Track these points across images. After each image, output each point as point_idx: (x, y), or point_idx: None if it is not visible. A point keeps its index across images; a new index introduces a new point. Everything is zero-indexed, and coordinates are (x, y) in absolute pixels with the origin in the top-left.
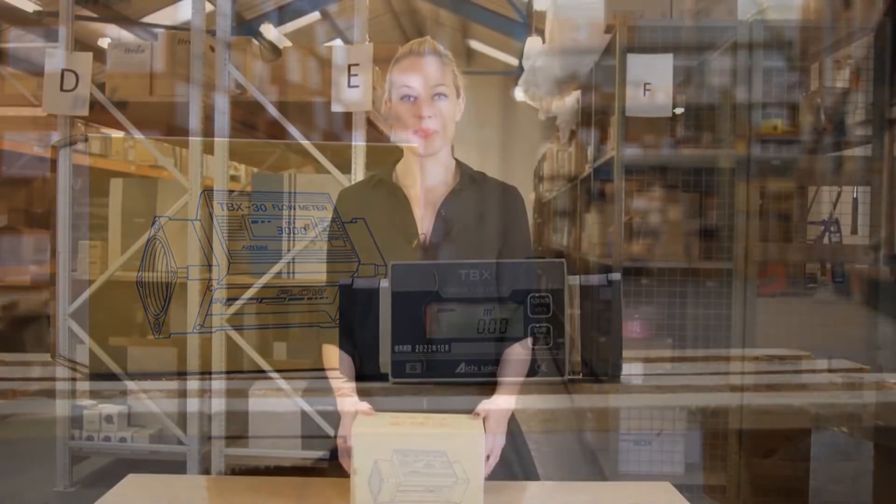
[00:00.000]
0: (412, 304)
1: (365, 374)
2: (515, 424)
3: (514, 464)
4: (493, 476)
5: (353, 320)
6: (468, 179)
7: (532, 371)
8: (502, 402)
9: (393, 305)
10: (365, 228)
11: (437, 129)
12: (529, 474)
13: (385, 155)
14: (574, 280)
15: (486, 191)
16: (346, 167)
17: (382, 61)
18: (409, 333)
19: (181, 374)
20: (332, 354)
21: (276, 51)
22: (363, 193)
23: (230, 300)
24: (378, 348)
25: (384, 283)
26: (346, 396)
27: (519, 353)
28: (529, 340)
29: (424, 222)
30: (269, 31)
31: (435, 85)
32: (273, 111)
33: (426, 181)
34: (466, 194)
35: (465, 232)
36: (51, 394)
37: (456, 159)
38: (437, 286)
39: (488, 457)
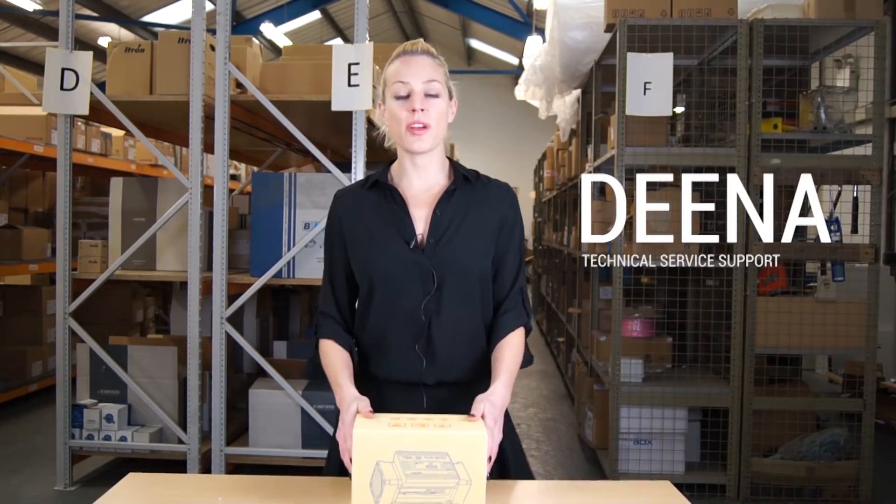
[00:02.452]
0: None
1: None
2: (508, 421)
3: (508, 461)
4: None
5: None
6: (462, 179)
7: (525, 361)
8: (498, 398)
9: None
10: (362, 229)
11: (429, 124)
12: (521, 472)
13: (385, 154)
14: None
15: (479, 189)
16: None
17: (382, 61)
18: None
19: (181, 374)
20: (330, 349)
21: (276, 50)
22: (359, 194)
23: (230, 299)
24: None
25: None
26: (345, 390)
27: (514, 343)
28: (523, 331)
29: (420, 223)
30: (270, 29)
31: (427, 81)
32: (273, 110)
33: (421, 181)
34: (460, 193)
35: (460, 231)
36: (51, 393)
37: (449, 158)
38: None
39: (490, 457)
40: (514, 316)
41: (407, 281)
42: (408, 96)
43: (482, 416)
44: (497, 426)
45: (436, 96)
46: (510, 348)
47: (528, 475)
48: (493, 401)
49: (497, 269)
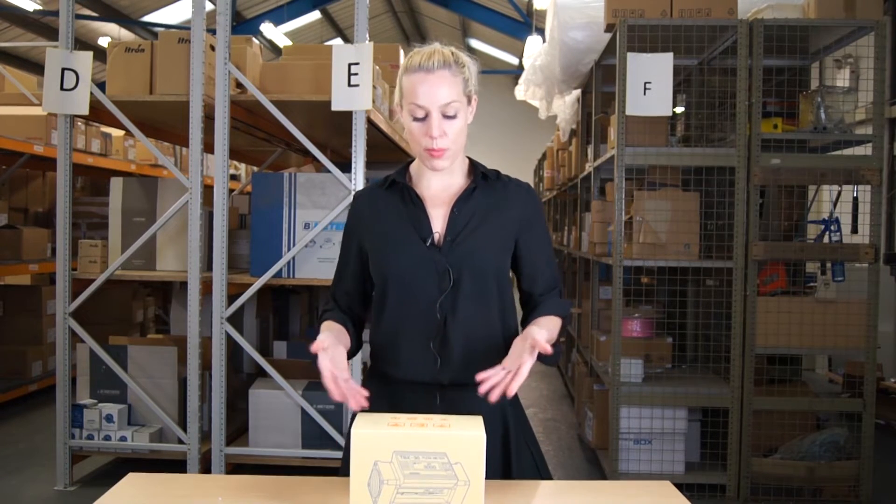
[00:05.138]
0: None
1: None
2: (525, 422)
3: (532, 461)
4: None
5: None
6: (481, 178)
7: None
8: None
9: None
10: (380, 229)
11: (447, 147)
12: (542, 471)
13: (385, 154)
14: None
15: (499, 189)
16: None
17: (382, 61)
18: None
19: (181, 374)
20: (325, 323)
21: (276, 50)
22: (377, 195)
23: (230, 299)
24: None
25: None
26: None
27: (561, 302)
28: (569, 304)
29: (438, 221)
30: (270, 29)
31: (446, 104)
32: (273, 110)
33: (439, 182)
34: (479, 193)
35: (478, 229)
36: (51, 393)
37: (468, 158)
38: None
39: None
40: (553, 302)
41: (422, 278)
42: (425, 118)
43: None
44: (545, 333)
45: (454, 117)
46: (558, 301)
47: (548, 475)
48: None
49: (530, 271)
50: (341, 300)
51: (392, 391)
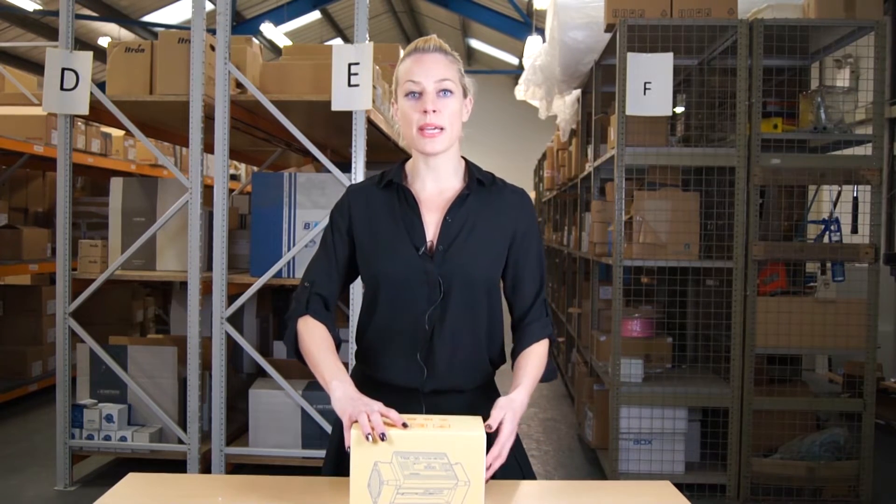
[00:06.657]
0: None
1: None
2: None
3: (514, 461)
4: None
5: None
6: (476, 183)
7: (548, 375)
8: (519, 406)
9: None
10: (373, 229)
11: (442, 126)
12: (525, 472)
13: (385, 154)
14: None
15: (493, 194)
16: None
17: (382, 61)
18: None
19: (181, 374)
20: (316, 328)
21: (276, 50)
22: (372, 193)
23: (230, 299)
24: None
25: None
26: (343, 381)
27: (537, 353)
28: (548, 342)
29: (431, 228)
30: (270, 29)
31: (440, 80)
32: (273, 110)
33: (434, 183)
34: (473, 199)
35: (470, 239)
36: (51, 393)
37: (464, 159)
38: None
39: (489, 465)
40: (539, 327)
41: (414, 288)
42: (420, 96)
43: (500, 424)
44: (513, 435)
45: (449, 95)
46: (534, 358)
47: (531, 475)
48: (515, 408)
49: (517, 280)
50: (322, 289)
51: (378, 395)
